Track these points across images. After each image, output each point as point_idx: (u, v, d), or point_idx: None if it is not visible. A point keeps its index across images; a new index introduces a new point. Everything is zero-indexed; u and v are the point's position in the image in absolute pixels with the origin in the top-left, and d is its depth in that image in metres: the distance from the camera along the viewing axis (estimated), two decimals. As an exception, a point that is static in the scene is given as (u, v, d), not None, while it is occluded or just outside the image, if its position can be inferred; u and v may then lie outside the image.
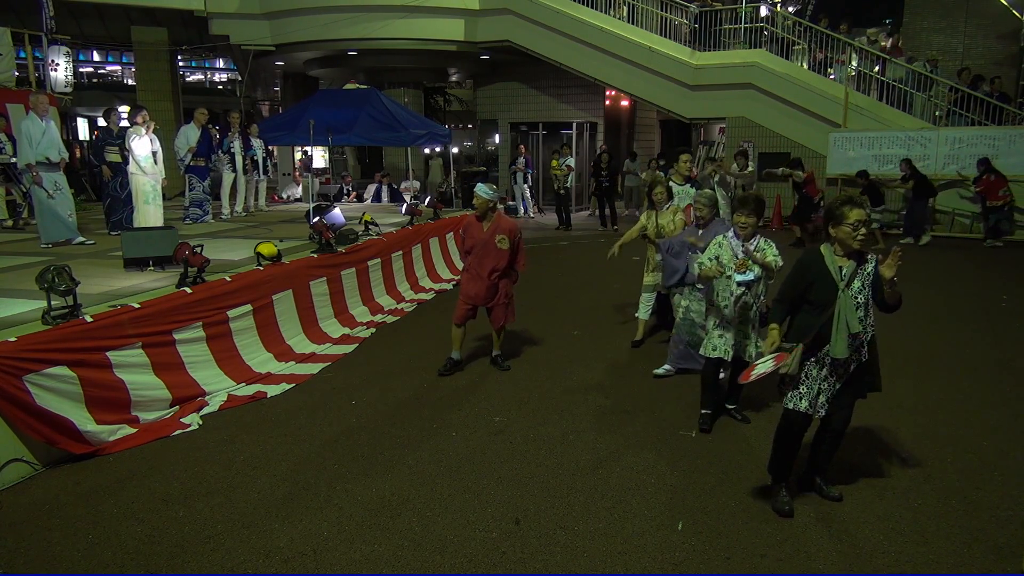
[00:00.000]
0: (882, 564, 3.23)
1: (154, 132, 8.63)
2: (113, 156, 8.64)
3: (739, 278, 4.44)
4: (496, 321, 5.92)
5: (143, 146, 8.42)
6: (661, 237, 6.16)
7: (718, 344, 4.64)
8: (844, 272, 3.44)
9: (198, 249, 5.82)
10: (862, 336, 3.48)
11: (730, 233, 4.60)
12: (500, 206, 5.86)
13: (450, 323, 5.98)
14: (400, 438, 4.65)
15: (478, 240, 5.75)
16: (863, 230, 3.38)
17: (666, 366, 5.82)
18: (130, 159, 8.42)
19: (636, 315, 6.80)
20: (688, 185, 7.00)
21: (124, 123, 8.81)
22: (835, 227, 3.45)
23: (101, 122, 8.79)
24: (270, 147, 12.38)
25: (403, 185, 15.09)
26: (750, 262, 4.45)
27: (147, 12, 17.42)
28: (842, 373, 3.55)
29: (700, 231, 5.49)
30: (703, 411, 4.81)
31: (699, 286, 4.56)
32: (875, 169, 13.28)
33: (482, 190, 5.68)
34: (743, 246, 4.51)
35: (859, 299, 3.44)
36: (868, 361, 3.57)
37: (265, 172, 12.01)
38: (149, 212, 8.59)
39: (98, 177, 8.80)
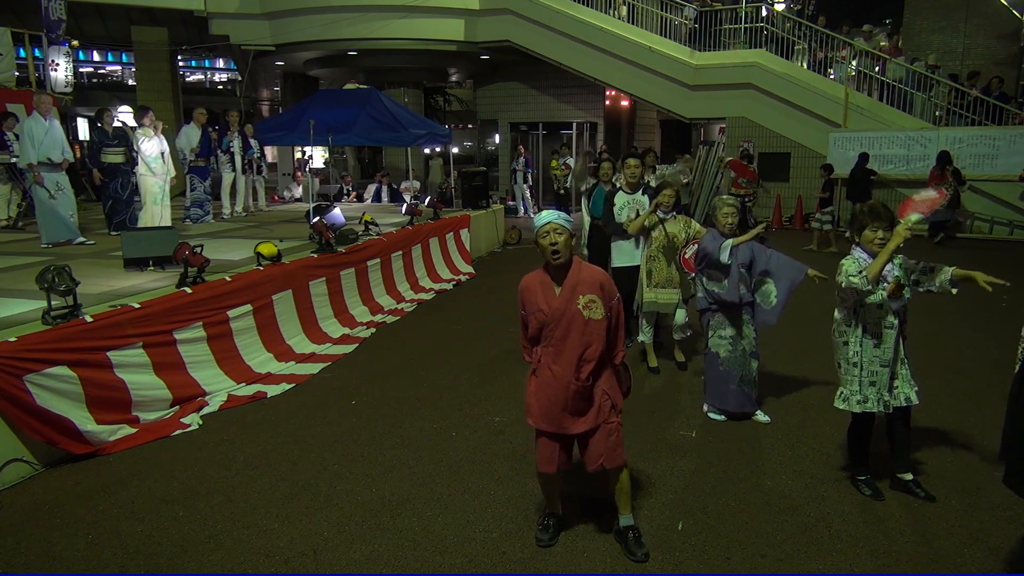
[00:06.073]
0: (882, 564, 3.23)
1: (162, 132, 8.79)
2: (113, 157, 8.53)
3: (895, 305, 3.67)
4: (595, 456, 3.23)
5: (153, 147, 8.57)
6: (672, 247, 5.65)
7: (868, 394, 3.69)
8: None
9: (198, 249, 5.82)
10: None
11: (858, 252, 3.70)
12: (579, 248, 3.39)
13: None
14: (400, 438, 4.65)
15: (553, 311, 3.13)
16: None
17: (717, 413, 4.87)
18: (139, 160, 8.53)
19: (639, 339, 5.97)
20: (640, 193, 6.09)
21: (116, 123, 8.81)
22: None
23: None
24: (264, 147, 12.42)
25: (403, 185, 15.10)
26: (905, 282, 3.63)
27: (147, 12, 17.45)
28: None
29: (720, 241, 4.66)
30: (860, 476, 3.87)
31: (884, 299, 3.61)
32: (876, 169, 13.28)
33: (558, 217, 3.13)
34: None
35: None
36: None
37: (259, 172, 12.02)
38: (157, 212, 8.71)
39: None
